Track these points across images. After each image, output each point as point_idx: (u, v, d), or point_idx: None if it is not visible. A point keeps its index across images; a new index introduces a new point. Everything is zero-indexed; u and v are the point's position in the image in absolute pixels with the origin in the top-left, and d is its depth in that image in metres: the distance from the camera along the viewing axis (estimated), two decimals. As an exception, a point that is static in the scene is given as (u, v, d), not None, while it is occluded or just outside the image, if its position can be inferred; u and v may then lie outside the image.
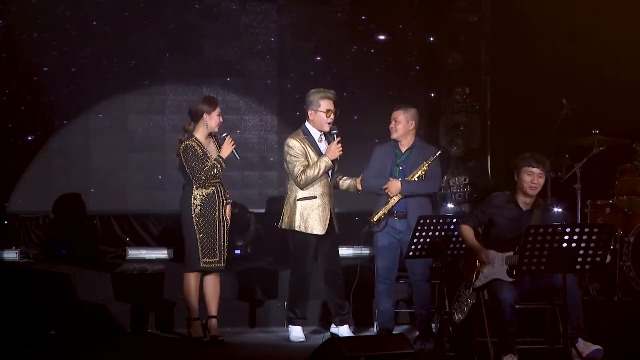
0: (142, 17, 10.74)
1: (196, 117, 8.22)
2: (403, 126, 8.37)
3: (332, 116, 8.35)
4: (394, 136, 8.41)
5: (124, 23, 10.69)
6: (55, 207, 10.58)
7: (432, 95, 11.08)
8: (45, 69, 10.58)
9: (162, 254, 10.41)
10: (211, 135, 8.28)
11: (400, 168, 8.37)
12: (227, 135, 8.27)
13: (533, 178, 7.35)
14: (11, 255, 10.16)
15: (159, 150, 10.88)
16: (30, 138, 10.62)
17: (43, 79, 10.58)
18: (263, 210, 10.90)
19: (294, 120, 10.58)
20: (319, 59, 11.05)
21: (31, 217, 10.58)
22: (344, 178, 8.57)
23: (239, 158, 8.32)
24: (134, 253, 10.38)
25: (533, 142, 10.16)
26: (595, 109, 9.61)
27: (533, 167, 7.35)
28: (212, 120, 8.19)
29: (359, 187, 8.50)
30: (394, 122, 8.40)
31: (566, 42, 10.13)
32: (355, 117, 10.67)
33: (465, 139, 10.90)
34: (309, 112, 8.42)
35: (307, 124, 8.45)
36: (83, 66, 10.66)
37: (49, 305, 8.89)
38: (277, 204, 10.81)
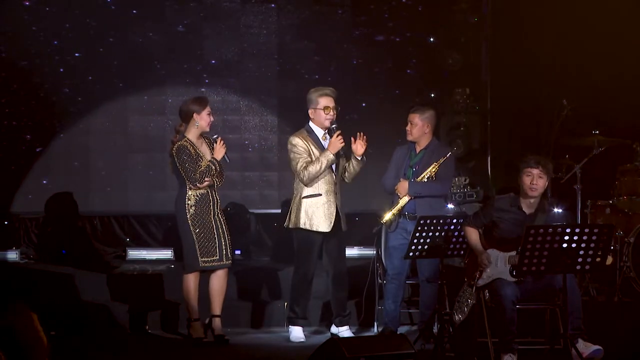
0: (142, 17, 10.74)
1: (186, 117, 8.21)
2: (418, 129, 8.33)
3: (331, 112, 8.36)
4: (409, 138, 8.38)
5: (123, 23, 10.69)
6: (55, 207, 10.57)
7: (432, 95, 11.08)
8: (44, 69, 10.58)
9: (162, 254, 10.40)
10: (202, 135, 8.27)
11: (413, 169, 8.36)
12: (217, 137, 8.25)
13: (532, 179, 7.35)
14: (11, 255, 10.16)
15: (159, 150, 10.87)
16: (30, 138, 10.61)
17: (43, 80, 10.58)
18: (263, 211, 10.90)
19: (294, 120, 10.58)
20: (318, 59, 11.05)
21: (31, 217, 10.58)
22: (345, 165, 8.53)
23: (228, 160, 8.28)
24: (134, 253, 10.37)
25: (533, 142, 10.19)
26: (595, 109, 9.62)
27: (532, 168, 7.34)
28: (202, 120, 8.17)
29: (359, 152, 8.31)
30: (409, 124, 8.36)
31: (566, 42, 10.14)
32: (355, 118, 10.68)
33: (465, 139, 10.92)
34: (310, 111, 8.44)
35: (311, 123, 8.47)
36: (83, 66, 10.66)
37: (49, 305, 8.90)
38: (278, 205, 10.87)
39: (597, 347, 7.24)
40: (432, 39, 11.15)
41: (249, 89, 11.02)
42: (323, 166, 8.26)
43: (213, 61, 10.93)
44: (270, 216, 10.85)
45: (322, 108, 8.35)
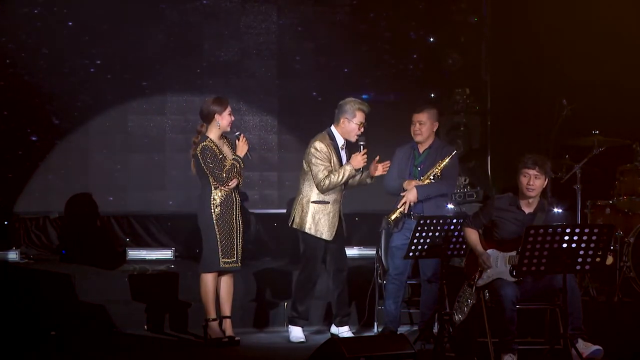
0: (141, 17, 10.73)
1: (207, 118, 8.23)
2: (427, 128, 8.32)
3: (362, 129, 8.36)
4: (419, 139, 8.35)
5: (123, 23, 10.68)
6: (55, 207, 10.58)
7: (432, 95, 11.08)
8: (45, 69, 10.58)
9: (162, 254, 10.40)
10: (223, 135, 8.31)
11: (419, 168, 8.36)
12: (239, 134, 8.29)
13: (529, 179, 7.35)
14: (11, 255, 10.15)
15: (159, 150, 10.88)
16: (30, 138, 10.61)
17: (44, 80, 10.58)
18: (263, 211, 10.90)
19: (294, 120, 10.59)
20: (318, 59, 11.05)
21: (31, 217, 10.58)
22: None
23: (250, 157, 8.33)
24: (134, 253, 10.37)
25: (533, 142, 10.18)
26: (595, 109, 9.60)
27: (528, 169, 7.35)
28: (223, 120, 8.22)
29: (373, 173, 8.42)
30: (417, 125, 8.33)
31: (566, 42, 10.13)
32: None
33: (465, 139, 10.92)
34: (342, 119, 8.38)
35: (334, 130, 8.43)
36: (83, 67, 10.66)
37: (49, 305, 8.90)
38: (278, 205, 10.87)
39: (597, 347, 7.25)
40: (432, 39, 11.14)
41: (249, 89, 11.02)
42: (344, 179, 8.28)
43: (213, 61, 10.93)
44: (270, 216, 10.85)
45: (358, 123, 8.34)
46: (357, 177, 8.49)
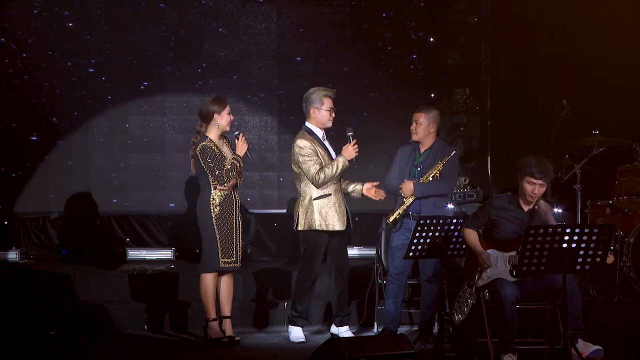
0: (142, 17, 10.74)
1: (207, 118, 8.23)
2: (423, 128, 8.31)
3: (334, 114, 8.38)
4: (414, 138, 8.35)
5: (123, 23, 10.69)
6: (55, 207, 10.59)
7: (432, 95, 11.08)
8: (45, 69, 10.58)
9: (162, 254, 10.40)
10: (222, 135, 8.31)
11: (419, 168, 8.35)
12: (239, 134, 8.28)
13: (534, 188, 7.34)
14: (11, 255, 10.16)
15: (159, 150, 10.89)
16: (30, 138, 10.62)
17: (43, 79, 10.58)
18: (263, 211, 10.90)
19: (293, 120, 10.58)
20: (318, 59, 11.05)
21: (31, 217, 10.58)
22: (347, 181, 8.56)
23: (250, 157, 8.32)
24: (134, 253, 10.37)
25: (533, 142, 10.18)
26: (595, 109, 9.62)
27: (535, 179, 7.33)
28: (222, 119, 8.21)
29: (366, 193, 8.49)
30: (414, 124, 8.33)
31: (566, 42, 10.14)
32: (355, 118, 10.67)
33: (465, 139, 10.91)
34: (311, 110, 8.40)
35: (308, 124, 8.43)
36: (83, 66, 10.66)
37: (49, 305, 8.90)
38: (278, 205, 10.87)
39: (597, 347, 7.25)
40: (432, 39, 11.14)
41: (249, 89, 11.02)
42: (338, 170, 8.27)
43: (213, 61, 10.93)
44: (270, 216, 10.85)
45: (328, 109, 8.35)
46: (350, 187, 8.51)
